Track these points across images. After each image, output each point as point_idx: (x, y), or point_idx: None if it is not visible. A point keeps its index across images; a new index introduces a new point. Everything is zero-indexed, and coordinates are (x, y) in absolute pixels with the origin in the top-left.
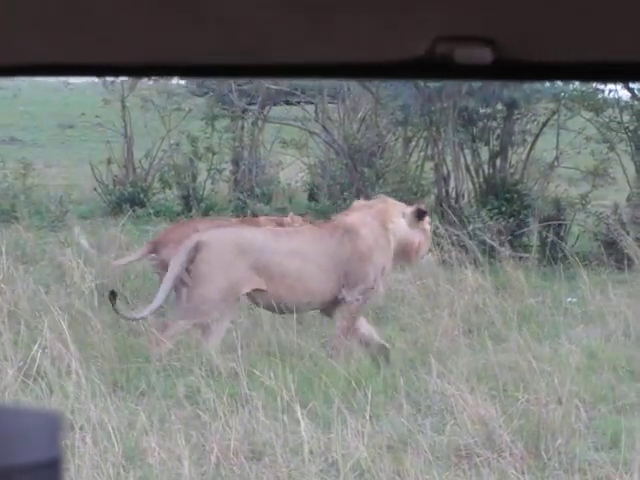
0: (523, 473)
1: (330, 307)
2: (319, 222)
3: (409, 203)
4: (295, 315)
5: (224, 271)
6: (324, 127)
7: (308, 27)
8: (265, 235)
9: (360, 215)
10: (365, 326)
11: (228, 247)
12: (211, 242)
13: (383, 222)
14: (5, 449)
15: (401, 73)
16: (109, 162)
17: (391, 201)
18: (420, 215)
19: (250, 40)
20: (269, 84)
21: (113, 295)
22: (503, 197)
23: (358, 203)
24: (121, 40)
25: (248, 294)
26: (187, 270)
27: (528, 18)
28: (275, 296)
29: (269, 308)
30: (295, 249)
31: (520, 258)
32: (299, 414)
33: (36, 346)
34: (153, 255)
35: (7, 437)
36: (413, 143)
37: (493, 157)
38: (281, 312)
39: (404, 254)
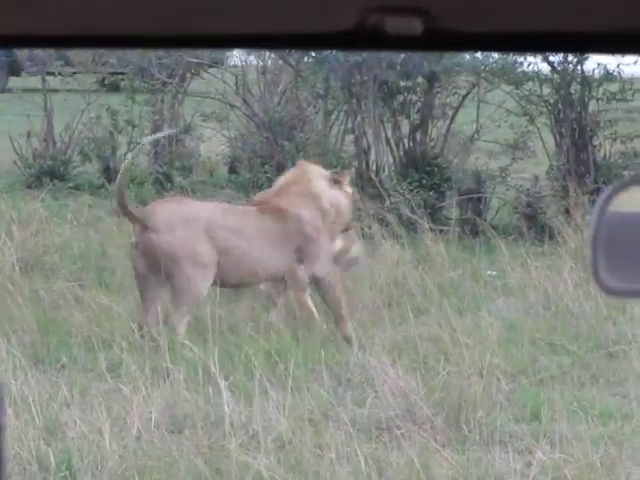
0: (444, 446)
1: (280, 285)
2: (258, 204)
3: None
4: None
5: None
6: (244, 100)
7: None
8: (214, 210)
9: (292, 197)
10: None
11: (177, 220)
12: (159, 215)
13: (311, 192)
14: None
15: (332, 44)
16: (29, 135)
17: (311, 167)
18: (337, 181)
19: (176, 10)
20: (190, 57)
21: None
22: (423, 170)
23: (283, 181)
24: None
25: None
26: (135, 244)
27: None
28: (220, 272)
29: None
30: (241, 227)
31: (440, 231)
32: (222, 386)
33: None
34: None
35: None
36: (333, 116)
37: (413, 130)
38: (223, 286)
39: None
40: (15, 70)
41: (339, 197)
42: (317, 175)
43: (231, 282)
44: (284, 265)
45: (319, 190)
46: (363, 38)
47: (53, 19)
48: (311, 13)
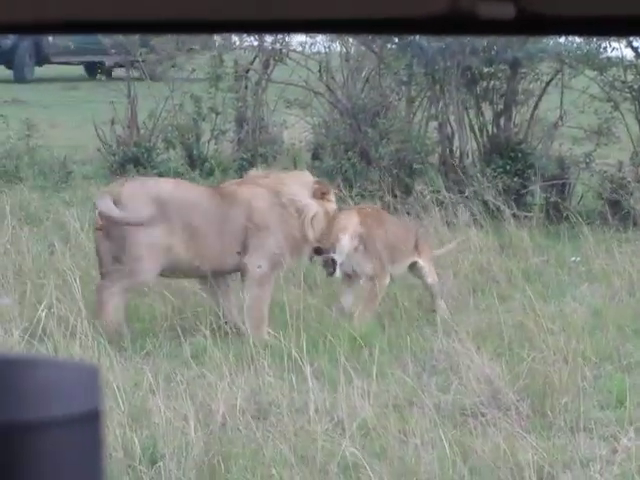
0: (529, 432)
1: (219, 278)
2: (215, 188)
3: (413, 163)
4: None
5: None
6: (328, 87)
7: None
8: (176, 186)
9: (251, 187)
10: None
11: (144, 200)
12: (126, 194)
13: (276, 189)
14: (44, 401)
15: (423, 29)
16: (113, 122)
17: (294, 172)
18: (322, 193)
19: None
20: (272, 44)
21: None
22: (507, 156)
23: (254, 172)
24: None
25: None
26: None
27: None
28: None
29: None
30: (196, 205)
31: (524, 217)
32: (307, 373)
33: (42, 306)
34: None
35: (46, 389)
36: (417, 103)
37: (497, 117)
38: (168, 276)
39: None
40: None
41: (311, 206)
42: (295, 179)
43: (182, 268)
44: (226, 252)
45: (288, 190)
46: (454, 23)
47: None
48: None
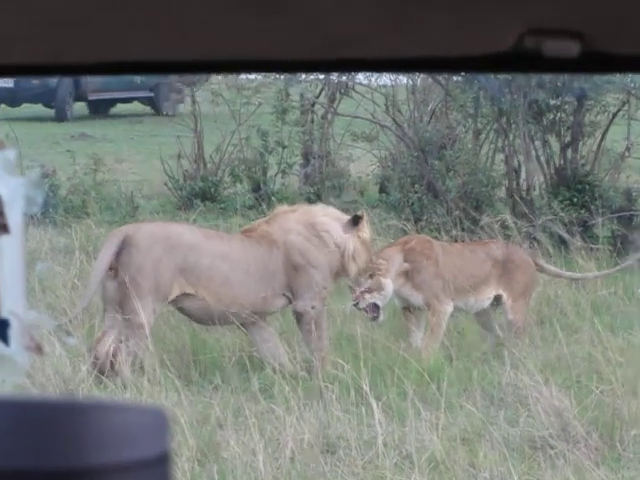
0: (598, 464)
1: (262, 319)
2: (243, 231)
3: (479, 195)
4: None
5: (152, 272)
6: (394, 120)
7: (394, 20)
8: (194, 233)
9: (282, 223)
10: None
11: (157, 243)
12: (139, 237)
13: (308, 222)
14: (114, 445)
15: (489, 66)
16: (179, 157)
17: (321, 206)
18: (355, 221)
19: (332, 34)
20: (338, 77)
21: None
22: (574, 188)
23: (282, 209)
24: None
25: (174, 300)
26: (115, 268)
27: (615, 9)
28: (204, 300)
29: (197, 317)
30: (225, 253)
31: (591, 249)
32: (374, 406)
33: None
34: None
35: (116, 433)
36: (483, 135)
37: (564, 148)
38: (210, 323)
39: (341, 263)
40: (80, 96)
41: (349, 239)
42: (323, 212)
43: (215, 314)
44: (269, 295)
45: (321, 223)
46: (519, 60)
47: (69, 47)
48: (467, 36)
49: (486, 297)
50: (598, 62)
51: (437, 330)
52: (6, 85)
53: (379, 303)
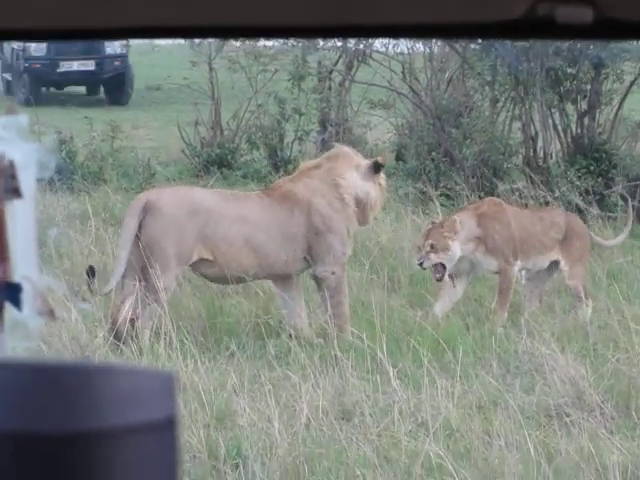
0: (613, 433)
1: (285, 281)
2: (266, 189)
3: (496, 164)
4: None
5: (175, 237)
6: (411, 88)
7: None
8: (213, 198)
9: (308, 182)
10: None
11: (179, 209)
12: (161, 203)
13: (334, 182)
14: (121, 408)
15: (502, 33)
16: (196, 124)
17: (344, 152)
18: (377, 168)
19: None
20: (355, 45)
21: (91, 271)
22: (591, 157)
23: (305, 165)
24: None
25: (193, 264)
26: (137, 234)
27: None
28: (222, 266)
29: (215, 280)
30: (244, 215)
31: (608, 218)
32: (391, 374)
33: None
34: None
35: (122, 397)
36: (500, 103)
37: (581, 117)
38: (226, 283)
39: (359, 211)
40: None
41: (369, 189)
42: (348, 162)
43: (234, 277)
44: (290, 259)
45: (345, 182)
46: (533, 27)
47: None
48: (481, 3)
49: (547, 261)
50: (611, 29)
51: (507, 294)
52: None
53: (446, 264)
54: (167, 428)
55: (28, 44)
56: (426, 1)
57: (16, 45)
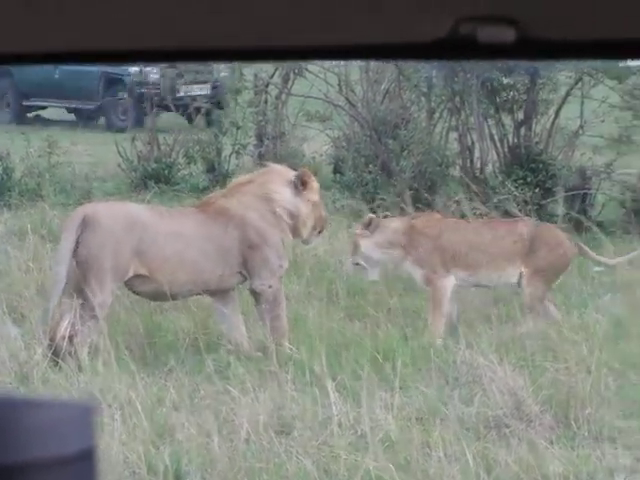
0: (552, 443)
1: (223, 295)
2: (199, 205)
3: (434, 175)
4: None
5: (112, 252)
6: (348, 100)
7: (332, 9)
8: (148, 213)
9: (241, 197)
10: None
11: (116, 223)
12: (98, 217)
13: (266, 195)
14: (38, 441)
15: (424, 54)
16: (133, 139)
17: (276, 170)
18: (303, 182)
19: (270, 23)
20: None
21: None
22: (528, 167)
23: (238, 180)
24: (134, 26)
25: (127, 281)
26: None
27: None
28: (157, 282)
29: (151, 296)
30: (179, 231)
31: None
32: (329, 387)
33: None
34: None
35: (40, 429)
36: (437, 114)
37: (517, 127)
38: (163, 300)
39: (294, 228)
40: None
41: (302, 208)
42: (281, 178)
43: (169, 293)
44: (226, 274)
45: (278, 196)
46: (455, 48)
47: (146, 36)
48: (402, 24)
49: (507, 275)
50: (534, 49)
51: (439, 306)
52: None
53: (362, 263)
54: (86, 459)
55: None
56: (347, 23)
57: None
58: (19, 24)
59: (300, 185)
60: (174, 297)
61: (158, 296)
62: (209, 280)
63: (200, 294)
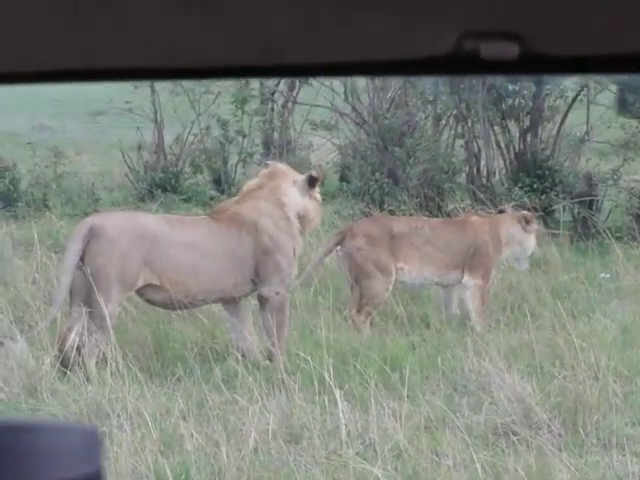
0: (560, 450)
1: (233, 304)
2: (212, 213)
3: (440, 182)
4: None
5: (119, 262)
6: (354, 108)
7: (335, 25)
8: (159, 223)
9: (254, 203)
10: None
11: (124, 234)
12: (106, 227)
13: (278, 200)
14: (45, 466)
15: (429, 69)
16: (140, 148)
17: (281, 170)
18: (312, 182)
19: (274, 40)
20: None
21: None
22: (534, 174)
23: (249, 186)
24: (136, 43)
25: (139, 290)
26: (81, 259)
27: (553, 12)
28: (170, 292)
29: (163, 305)
30: (191, 241)
31: (553, 235)
32: (337, 396)
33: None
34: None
35: (47, 454)
36: (443, 121)
37: (523, 134)
38: (174, 309)
39: (301, 226)
40: None
41: (307, 204)
42: (287, 179)
43: (182, 302)
44: (239, 281)
45: (288, 200)
46: (459, 63)
47: (148, 52)
48: (406, 40)
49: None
50: (537, 64)
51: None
52: None
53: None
54: None
55: None
56: (351, 39)
57: None
58: (17, 42)
59: (311, 184)
60: (187, 306)
61: (171, 305)
62: (224, 288)
63: (213, 302)
